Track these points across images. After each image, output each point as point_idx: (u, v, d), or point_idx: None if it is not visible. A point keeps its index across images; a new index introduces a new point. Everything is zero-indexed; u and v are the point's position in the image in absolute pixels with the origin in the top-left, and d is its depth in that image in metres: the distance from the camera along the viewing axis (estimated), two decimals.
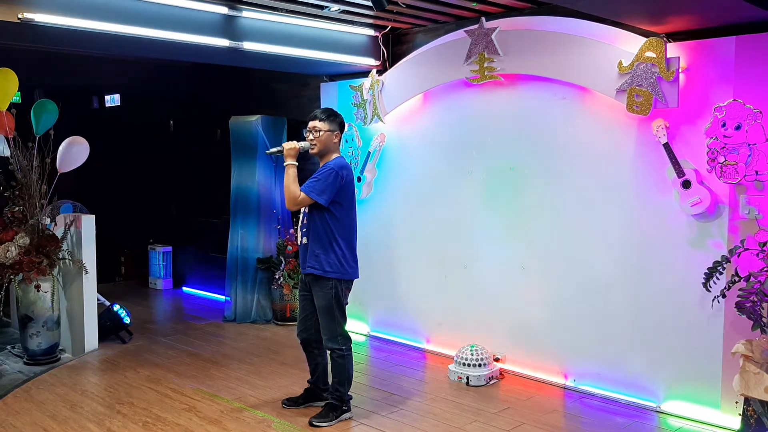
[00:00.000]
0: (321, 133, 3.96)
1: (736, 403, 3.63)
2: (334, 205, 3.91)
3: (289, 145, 3.95)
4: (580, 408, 4.32)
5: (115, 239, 8.35)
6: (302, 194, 3.86)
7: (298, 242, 4.11)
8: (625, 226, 4.32)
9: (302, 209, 4.03)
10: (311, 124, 4.00)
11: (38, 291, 5.11)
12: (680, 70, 3.92)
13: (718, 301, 3.69)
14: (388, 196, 5.74)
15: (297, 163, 3.94)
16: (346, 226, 3.99)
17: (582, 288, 4.54)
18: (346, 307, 4.07)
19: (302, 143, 3.99)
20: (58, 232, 5.36)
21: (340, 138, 4.06)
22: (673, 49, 3.97)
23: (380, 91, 5.50)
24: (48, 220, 5.34)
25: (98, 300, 5.62)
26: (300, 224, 4.08)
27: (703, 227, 3.98)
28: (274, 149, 4.08)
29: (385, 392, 4.58)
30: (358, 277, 4.09)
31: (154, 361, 5.29)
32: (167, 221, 8.47)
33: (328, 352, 4.06)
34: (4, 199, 5.34)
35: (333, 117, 4.02)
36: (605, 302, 4.43)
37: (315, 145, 3.97)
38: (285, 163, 3.94)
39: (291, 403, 4.27)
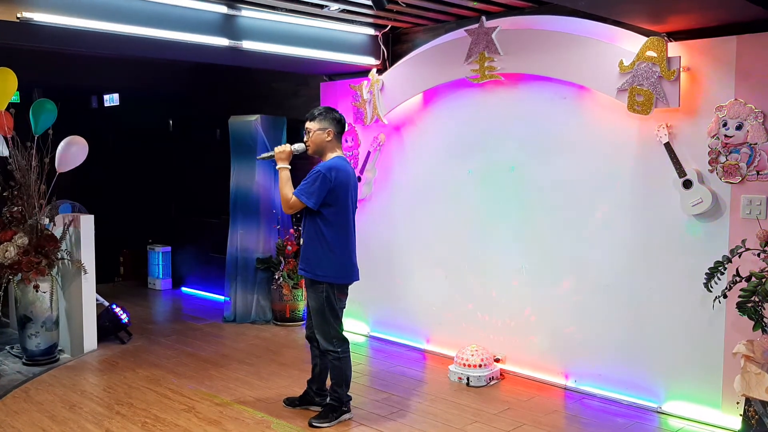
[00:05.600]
0: (311, 133, 3.94)
1: (737, 403, 3.61)
2: (325, 207, 3.85)
3: (280, 149, 3.94)
4: (581, 409, 4.31)
5: (114, 239, 8.33)
6: (294, 197, 3.83)
7: (300, 242, 4.10)
8: (626, 226, 4.31)
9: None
10: (305, 125, 3.99)
11: (37, 291, 5.09)
12: (681, 69, 3.90)
13: (719, 302, 3.67)
14: (388, 196, 5.73)
15: (290, 167, 3.92)
16: (339, 229, 3.91)
17: (582, 288, 4.53)
18: (344, 309, 4.05)
19: (295, 145, 3.98)
20: (57, 232, 5.34)
21: (334, 135, 3.96)
22: (674, 49, 3.96)
23: (380, 90, 5.49)
24: (47, 220, 5.32)
25: (97, 300, 5.60)
26: (301, 225, 4.08)
27: (704, 227, 3.97)
28: (266, 154, 4.06)
29: (385, 393, 4.57)
30: (355, 279, 4.05)
31: (153, 361, 5.28)
32: (166, 221, 8.46)
33: (325, 353, 4.03)
34: (3, 199, 5.33)
35: (323, 115, 3.95)
36: (606, 302, 4.42)
37: (309, 146, 3.96)
38: (277, 167, 3.92)
39: (290, 403, 4.26)
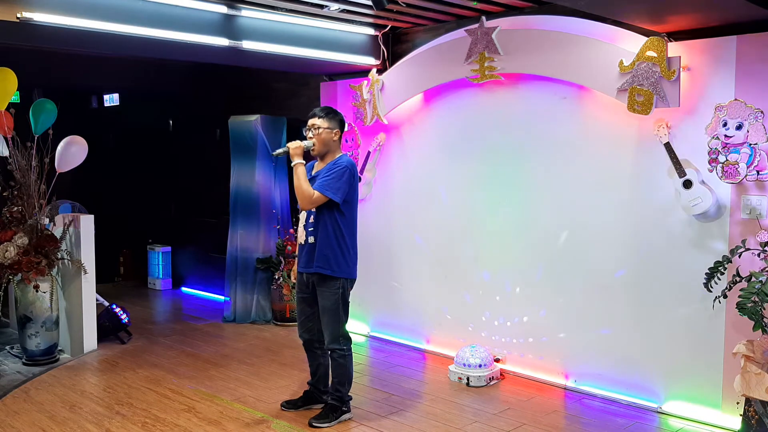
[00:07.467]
0: (320, 130, 3.93)
1: (737, 403, 3.61)
2: (345, 203, 3.90)
3: (295, 145, 3.91)
4: (581, 409, 4.31)
5: (114, 239, 8.33)
6: (317, 193, 3.83)
7: (302, 241, 4.04)
8: (626, 226, 4.30)
9: None
10: (311, 122, 3.97)
11: (37, 291, 5.09)
12: (681, 69, 3.90)
13: (719, 302, 3.67)
14: (388, 196, 5.73)
15: (305, 162, 3.92)
16: (351, 224, 3.98)
17: (582, 288, 4.53)
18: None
19: (305, 142, 3.96)
20: (57, 232, 5.35)
21: (340, 136, 4.03)
22: (674, 49, 3.95)
23: (380, 90, 5.49)
24: (47, 220, 5.32)
25: (97, 300, 5.60)
26: (304, 223, 4.02)
27: (704, 227, 3.97)
28: (280, 150, 4.02)
29: (385, 393, 4.57)
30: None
31: (153, 361, 5.28)
32: (166, 221, 8.46)
33: (329, 352, 4.04)
34: (3, 199, 5.33)
35: (332, 115, 3.99)
36: (606, 302, 4.42)
37: (315, 143, 3.95)
38: (293, 163, 3.89)
39: (290, 405, 4.24)
